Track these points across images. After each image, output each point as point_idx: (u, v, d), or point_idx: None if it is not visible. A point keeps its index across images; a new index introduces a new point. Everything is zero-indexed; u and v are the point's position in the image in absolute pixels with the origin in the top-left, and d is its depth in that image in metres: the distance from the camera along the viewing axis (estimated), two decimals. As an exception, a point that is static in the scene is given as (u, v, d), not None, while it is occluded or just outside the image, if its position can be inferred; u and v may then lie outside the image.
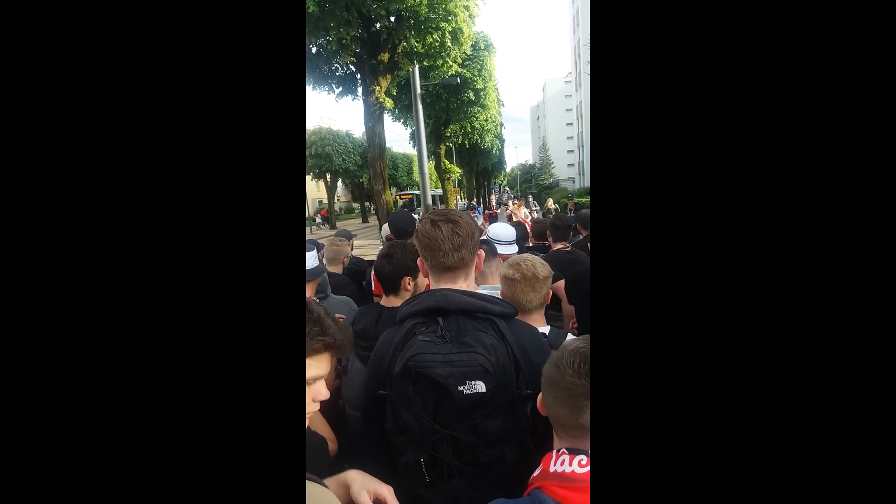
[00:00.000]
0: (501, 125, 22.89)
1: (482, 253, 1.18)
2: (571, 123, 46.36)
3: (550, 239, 3.08)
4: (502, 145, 27.32)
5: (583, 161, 38.48)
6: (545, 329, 1.50)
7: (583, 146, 37.37)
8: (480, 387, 0.99)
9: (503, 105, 21.13)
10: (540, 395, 0.88)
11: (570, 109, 46.17)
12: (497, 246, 2.47)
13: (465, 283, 1.14)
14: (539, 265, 1.50)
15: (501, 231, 2.81)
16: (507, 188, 53.05)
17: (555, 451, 0.82)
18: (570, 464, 0.78)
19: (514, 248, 2.78)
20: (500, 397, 1.02)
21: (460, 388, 0.99)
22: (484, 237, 2.64)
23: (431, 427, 1.03)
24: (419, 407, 1.04)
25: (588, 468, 0.77)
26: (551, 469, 0.79)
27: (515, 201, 12.73)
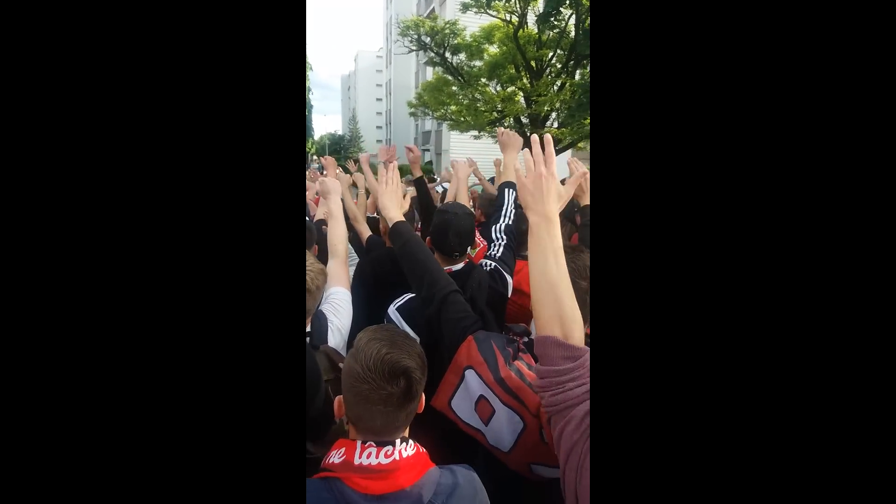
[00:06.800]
0: (309, 90, 21.48)
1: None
2: (381, 99, 46.60)
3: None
4: (310, 112, 25.76)
5: (390, 138, 39.10)
6: None
7: (391, 123, 37.94)
8: None
9: (311, 69, 19.85)
10: (338, 399, 0.89)
11: (381, 85, 46.31)
12: None
13: None
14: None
15: None
16: (314, 156, 50.49)
17: (359, 443, 0.81)
18: (377, 456, 0.79)
19: None
20: None
21: None
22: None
23: None
24: None
25: (394, 457, 0.79)
26: (356, 462, 0.79)
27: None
